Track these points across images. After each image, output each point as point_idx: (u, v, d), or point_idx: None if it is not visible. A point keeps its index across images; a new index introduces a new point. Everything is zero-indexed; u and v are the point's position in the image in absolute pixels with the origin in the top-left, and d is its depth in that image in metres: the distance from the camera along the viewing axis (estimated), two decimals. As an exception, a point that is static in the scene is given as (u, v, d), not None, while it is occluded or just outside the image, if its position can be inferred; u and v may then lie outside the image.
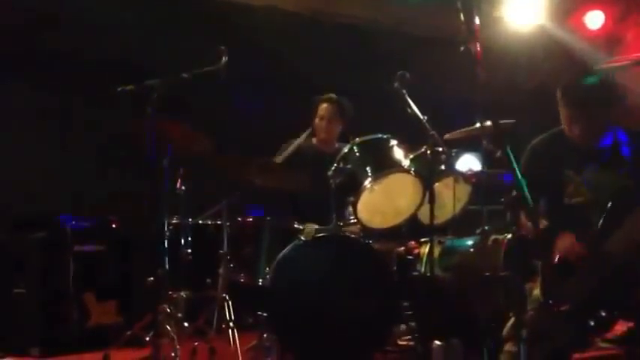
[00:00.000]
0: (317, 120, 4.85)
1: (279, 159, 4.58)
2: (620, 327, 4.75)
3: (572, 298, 3.07)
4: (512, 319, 3.30)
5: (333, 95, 4.86)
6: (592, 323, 3.07)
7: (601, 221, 3.14)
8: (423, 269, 4.39)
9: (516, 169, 2.58)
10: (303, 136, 4.73)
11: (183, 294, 4.40)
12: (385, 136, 4.14)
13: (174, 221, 4.47)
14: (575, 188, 3.31)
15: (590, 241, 3.13)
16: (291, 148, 4.62)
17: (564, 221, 3.27)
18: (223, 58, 4.03)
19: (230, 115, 5.71)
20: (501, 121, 3.62)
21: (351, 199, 4.04)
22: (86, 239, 4.77)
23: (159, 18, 5.45)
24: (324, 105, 4.84)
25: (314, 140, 4.91)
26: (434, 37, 6.14)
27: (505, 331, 3.31)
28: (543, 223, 3.24)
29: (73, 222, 4.72)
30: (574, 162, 3.34)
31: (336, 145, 4.78)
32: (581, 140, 3.34)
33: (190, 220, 4.58)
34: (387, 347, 4.16)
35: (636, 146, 3.32)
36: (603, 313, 3.07)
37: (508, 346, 3.26)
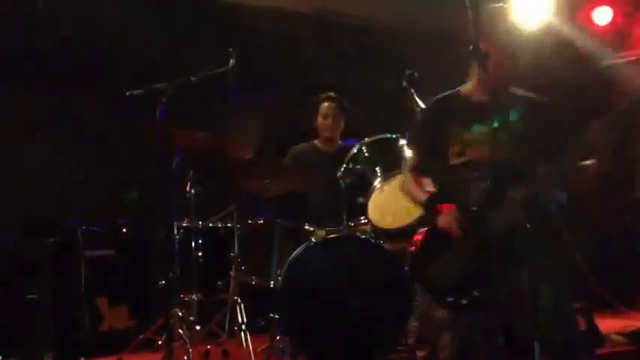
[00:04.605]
0: (320, 119, 4.83)
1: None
2: (633, 323, 4.71)
3: (443, 276, 2.90)
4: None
5: (332, 93, 4.85)
6: (464, 302, 2.85)
7: (482, 197, 2.92)
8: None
9: None
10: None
11: (194, 297, 4.40)
12: (394, 136, 4.14)
13: (184, 224, 4.48)
14: (461, 147, 3.04)
15: (472, 216, 2.91)
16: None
17: (448, 185, 3.08)
18: (231, 61, 4.03)
19: (234, 115, 5.71)
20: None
21: (362, 199, 4.04)
22: (97, 244, 4.78)
23: (163, 20, 5.46)
24: (326, 103, 4.82)
25: (316, 142, 4.89)
26: (440, 36, 6.12)
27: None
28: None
29: (84, 227, 4.73)
30: (463, 119, 3.05)
31: (339, 143, 4.78)
32: (484, 94, 3.03)
33: (201, 223, 4.58)
34: (399, 347, 4.15)
35: (527, 110, 3.05)
36: (476, 293, 2.84)
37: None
